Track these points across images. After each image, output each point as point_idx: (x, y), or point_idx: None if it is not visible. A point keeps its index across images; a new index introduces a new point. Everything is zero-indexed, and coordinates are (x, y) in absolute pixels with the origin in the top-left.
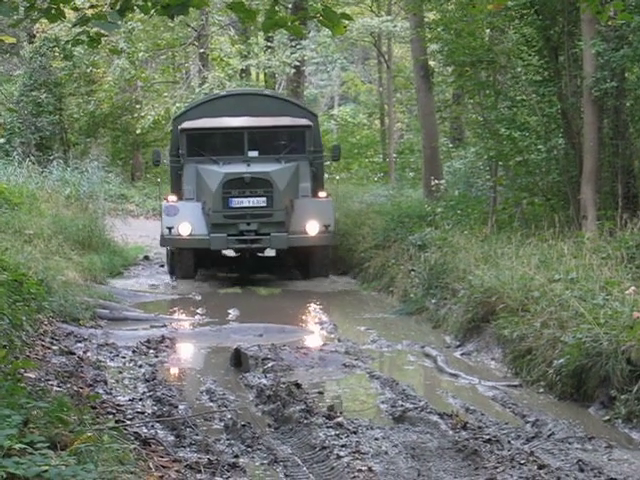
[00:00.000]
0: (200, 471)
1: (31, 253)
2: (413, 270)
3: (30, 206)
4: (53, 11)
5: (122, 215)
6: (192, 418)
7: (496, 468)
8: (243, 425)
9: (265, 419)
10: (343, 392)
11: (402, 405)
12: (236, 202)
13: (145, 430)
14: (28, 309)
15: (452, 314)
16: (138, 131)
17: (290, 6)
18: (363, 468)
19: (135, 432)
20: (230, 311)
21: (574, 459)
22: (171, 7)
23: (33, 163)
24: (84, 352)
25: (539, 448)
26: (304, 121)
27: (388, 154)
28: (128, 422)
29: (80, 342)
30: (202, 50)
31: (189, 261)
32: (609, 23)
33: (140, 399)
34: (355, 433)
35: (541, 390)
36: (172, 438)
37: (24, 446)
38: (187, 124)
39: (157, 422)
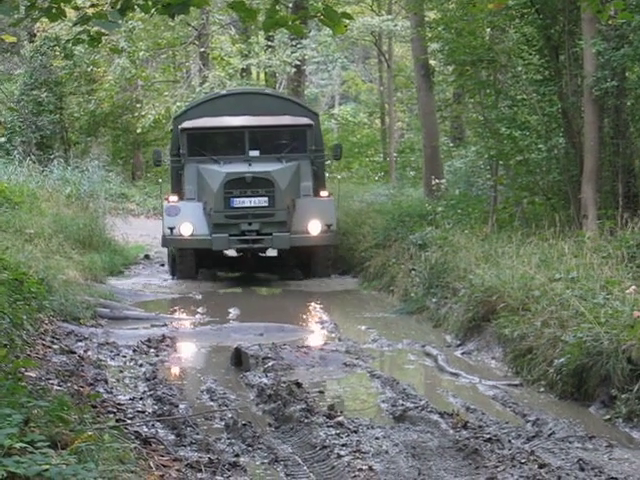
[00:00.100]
0: (201, 470)
1: (32, 252)
2: (414, 269)
3: (31, 205)
4: (54, 10)
5: (123, 214)
6: (193, 417)
7: (497, 467)
8: (244, 424)
9: (266, 418)
10: (344, 391)
11: (403, 404)
12: (238, 202)
13: (146, 429)
14: (29, 308)
15: (453, 313)
16: (139, 130)
17: (291, 5)
18: (364, 467)
19: (136, 431)
20: (230, 310)
21: (575, 458)
22: (172, 6)
23: (34, 162)
24: (85, 351)
25: (540, 447)
26: (305, 120)
27: (389, 153)
28: (129, 421)
29: (81, 341)
30: (203, 49)
31: (190, 261)
32: (610, 22)
33: (141, 398)
34: (356, 432)
35: (542, 389)
36: (173, 437)
37: (25, 445)
38: (188, 123)
39: (158, 421)
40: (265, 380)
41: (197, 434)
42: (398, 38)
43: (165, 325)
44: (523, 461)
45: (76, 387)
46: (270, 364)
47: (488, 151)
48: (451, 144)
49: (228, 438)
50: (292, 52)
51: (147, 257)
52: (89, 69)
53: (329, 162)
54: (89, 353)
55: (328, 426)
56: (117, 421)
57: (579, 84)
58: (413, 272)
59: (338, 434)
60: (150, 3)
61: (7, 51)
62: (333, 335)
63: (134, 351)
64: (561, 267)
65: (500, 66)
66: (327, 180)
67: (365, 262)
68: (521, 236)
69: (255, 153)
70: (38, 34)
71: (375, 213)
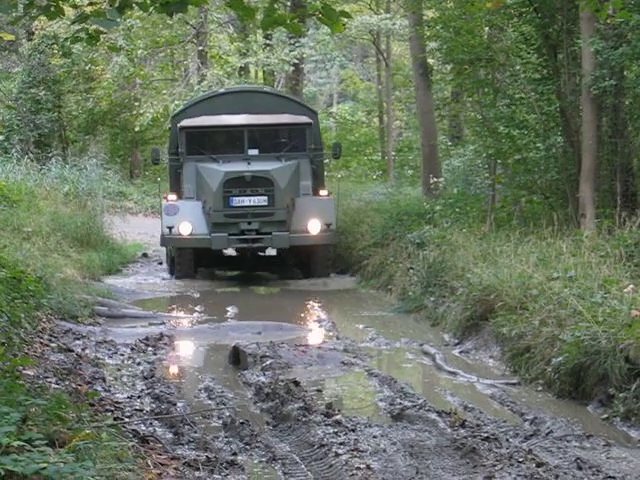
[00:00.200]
0: (198, 469)
1: (30, 250)
2: (412, 268)
3: (29, 203)
4: (52, 8)
5: (121, 212)
6: (190, 416)
7: (494, 466)
8: (241, 423)
9: (263, 417)
10: (341, 390)
11: (400, 403)
12: (237, 201)
13: (143, 428)
14: (26, 306)
15: (451, 312)
16: (137, 128)
17: (289, 4)
18: (361, 466)
19: (133, 429)
20: (229, 309)
21: (572, 457)
22: (170, 4)
23: (32, 160)
24: (82, 349)
25: (537, 446)
26: (304, 118)
27: (387, 152)
28: (126, 419)
29: (78, 339)
30: (201, 48)
31: (189, 261)
32: (608, 21)
33: (138, 396)
34: (353, 431)
35: (539, 388)
36: (170, 436)
37: (22, 443)
38: (186, 122)
39: (155, 420)
40: (263, 378)
41: (195, 432)
42: (396, 37)
43: (163, 323)
44: (521, 460)
45: (74, 385)
46: (268, 362)
47: (486, 150)
48: (449, 143)
49: (226, 436)
50: (290, 50)
51: (145, 255)
52: (87, 67)
53: (327, 161)
54: (87, 351)
55: (326, 425)
56: (115, 419)
57: (577, 83)
58: (411, 271)
59: (336, 433)
60: (148, 1)
61: (5, 49)
62: (331, 334)
63: (132, 349)
64: (559, 266)
65: (498, 65)
66: (326, 179)
67: (363, 261)
68: (519, 235)
69: (254, 152)
70: (36, 32)
71: (373, 212)
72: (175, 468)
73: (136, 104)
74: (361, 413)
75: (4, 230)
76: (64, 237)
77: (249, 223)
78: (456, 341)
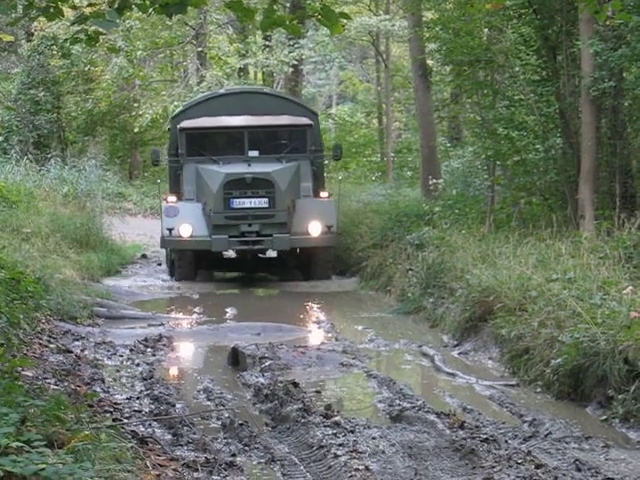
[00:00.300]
0: (197, 470)
1: (29, 251)
2: (411, 269)
3: (28, 204)
4: (52, 9)
5: (120, 213)
6: (189, 417)
7: (493, 467)
8: (240, 424)
9: (262, 418)
10: (340, 391)
11: (399, 404)
12: (237, 203)
13: (142, 429)
14: (25, 307)
15: (449, 313)
16: (136, 129)
17: (288, 5)
18: (360, 467)
19: (132, 431)
20: (228, 310)
21: (571, 459)
22: (169, 6)
23: (31, 161)
24: (81, 350)
25: (536, 447)
26: (305, 120)
27: (386, 153)
28: (125, 421)
29: (77, 340)
30: (200, 49)
31: (189, 263)
32: (607, 23)
33: (137, 398)
34: (352, 432)
35: (538, 390)
36: (169, 437)
37: (21, 444)
38: (186, 123)
39: (154, 421)
40: (262, 380)
41: (194, 434)
42: (395, 38)
43: (162, 325)
44: (520, 461)
45: (73, 386)
46: (267, 364)
47: (485, 151)
48: (448, 144)
49: (225, 438)
50: (289, 52)
51: (144, 256)
52: (87, 68)
53: (327, 162)
54: (86, 352)
55: (325, 426)
56: (114, 420)
57: (577, 84)
58: (410, 272)
59: (335, 434)
60: (148, 2)
61: (5, 50)
62: (330, 335)
63: (131, 350)
64: (558, 267)
65: (498, 66)
66: (326, 180)
67: (362, 262)
68: (518, 236)
69: (254, 153)
70: (36, 33)
71: (372, 213)
72: (174, 469)
73: (135, 105)
74: (360, 414)
75: (3, 231)
76: (63, 238)
77: (250, 225)
78: (455, 342)
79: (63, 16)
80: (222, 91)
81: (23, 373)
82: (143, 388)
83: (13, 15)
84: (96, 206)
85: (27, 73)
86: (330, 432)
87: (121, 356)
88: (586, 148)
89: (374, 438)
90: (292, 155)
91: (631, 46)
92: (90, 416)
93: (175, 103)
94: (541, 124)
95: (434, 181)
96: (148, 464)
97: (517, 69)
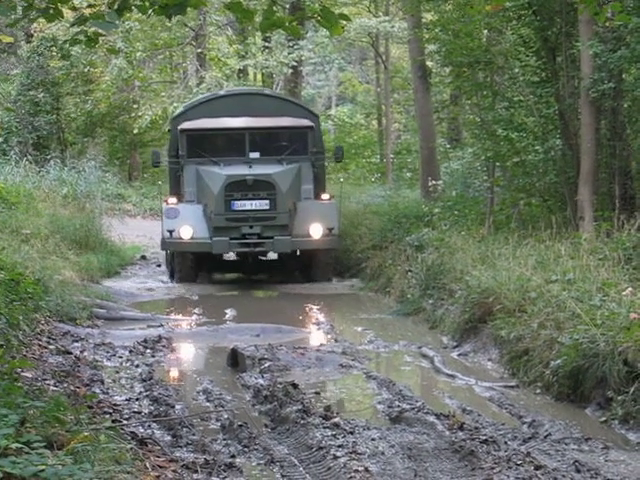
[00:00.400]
0: (197, 471)
1: (28, 252)
2: (410, 271)
3: (27, 205)
4: (51, 11)
5: (119, 215)
6: (189, 418)
7: (493, 469)
8: (240, 425)
9: (262, 419)
10: (340, 392)
11: (399, 406)
12: (238, 205)
13: (142, 430)
14: (25, 308)
15: (449, 315)
16: (135, 131)
17: (288, 6)
18: (360, 468)
19: (132, 432)
20: (227, 311)
21: (571, 460)
22: (169, 7)
23: (30, 162)
24: (81, 352)
25: (536, 449)
26: (306, 122)
27: (385, 155)
28: (125, 422)
29: (77, 342)
30: (200, 50)
31: (190, 265)
32: (607, 24)
33: (137, 399)
34: (352, 433)
35: (538, 391)
36: (169, 438)
37: (21, 445)
38: (187, 124)
39: (154, 422)
40: (261, 381)
41: (193, 435)
42: (395, 39)
43: (161, 326)
44: (519, 463)
45: (72, 388)
46: (266, 365)
47: (485, 153)
48: (448, 145)
49: (224, 439)
50: (289, 53)
51: (144, 258)
52: (86, 70)
53: (326, 164)
54: (85, 354)
55: (324, 427)
56: (113, 422)
57: (576, 86)
58: (410, 273)
59: (334, 435)
60: (147, 4)
61: (4, 51)
62: (329, 336)
63: (130, 352)
64: (557, 269)
65: (497, 67)
66: (327, 182)
67: (362, 263)
68: (518, 238)
69: (255, 155)
70: (35, 34)
71: (372, 214)
72: (173, 470)
73: (135, 106)
74: (359, 416)
75: (3, 232)
76: (63, 239)
77: (251, 227)
78: (454, 344)
79: (63, 17)
80: (223, 92)
81: (22, 374)
82: (142, 389)
83: (12, 16)
84: (95, 207)
85: (26, 74)
86: (329, 433)
87: (120, 357)
88: (585, 149)
89: (373, 439)
90: (293, 157)
91: (630, 47)
92: (89, 417)
93: (174, 104)
94: (541, 125)
95: (433, 182)
96: (147, 465)
97: (517, 70)
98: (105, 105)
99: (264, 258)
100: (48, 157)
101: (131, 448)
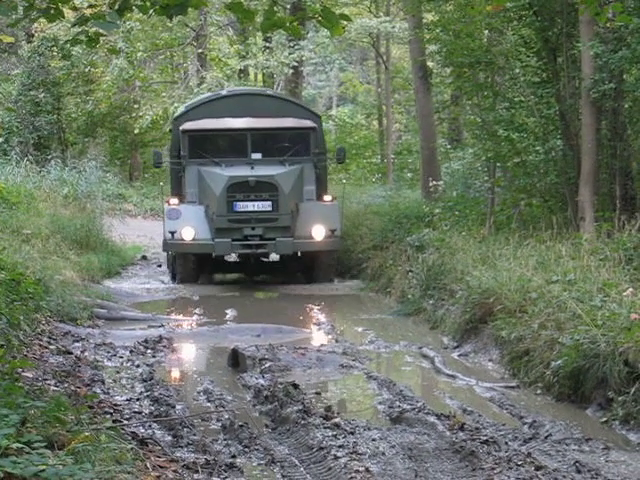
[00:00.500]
0: (197, 471)
1: (29, 252)
2: (411, 271)
3: (28, 205)
4: (52, 11)
5: (120, 215)
6: (189, 418)
7: (493, 469)
8: (240, 425)
9: (262, 419)
10: (340, 393)
11: (399, 406)
12: (241, 206)
13: (142, 430)
14: (26, 308)
15: (450, 315)
16: (136, 131)
17: (289, 7)
18: (360, 469)
19: (132, 432)
20: (228, 312)
21: (571, 460)
22: (170, 7)
23: (31, 162)
24: (81, 352)
25: (536, 449)
26: (308, 122)
27: (386, 155)
28: (125, 422)
29: (78, 342)
30: (200, 50)
31: (192, 266)
32: (608, 25)
33: (137, 399)
34: (352, 434)
35: (539, 391)
36: (169, 438)
37: (21, 445)
38: (189, 125)
39: (154, 422)
40: (262, 381)
41: (194, 435)
42: (396, 40)
43: (162, 326)
44: (520, 463)
45: (73, 388)
46: (267, 365)
47: (485, 153)
48: (448, 146)
49: (225, 439)
50: (290, 53)
51: (144, 258)
52: (87, 70)
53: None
54: (86, 354)
55: (325, 427)
56: (114, 422)
57: (577, 86)
58: (410, 274)
59: (335, 435)
60: (148, 4)
61: (5, 51)
62: (330, 336)
63: (131, 352)
64: (558, 269)
65: (498, 68)
66: (329, 182)
67: (362, 264)
68: (518, 238)
69: (257, 156)
70: (36, 34)
71: (372, 215)
72: (174, 471)
73: (135, 106)
74: (360, 416)
75: (3, 232)
76: (63, 239)
77: (253, 228)
78: (455, 344)
79: (64, 17)
80: (225, 92)
81: (23, 374)
82: (143, 389)
83: (13, 16)
84: (96, 207)
85: (27, 74)
86: (330, 434)
87: (121, 357)
88: (586, 150)
89: (374, 440)
90: (295, 158)
91: (631, 48)
92: (90, 417)
93: (175, 104)
94: (541, 126)
95: (434, 183)
96: (148, 465)
97: (517, 71)
98: (106, 105)
99: (266, 259)
100: (49, 157)
101: (132, 448)
